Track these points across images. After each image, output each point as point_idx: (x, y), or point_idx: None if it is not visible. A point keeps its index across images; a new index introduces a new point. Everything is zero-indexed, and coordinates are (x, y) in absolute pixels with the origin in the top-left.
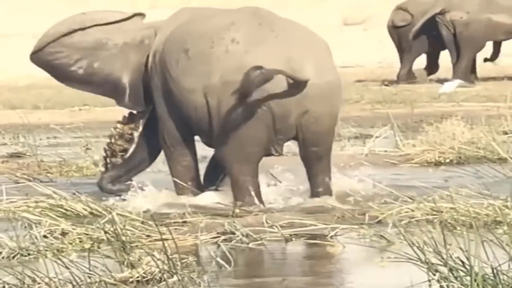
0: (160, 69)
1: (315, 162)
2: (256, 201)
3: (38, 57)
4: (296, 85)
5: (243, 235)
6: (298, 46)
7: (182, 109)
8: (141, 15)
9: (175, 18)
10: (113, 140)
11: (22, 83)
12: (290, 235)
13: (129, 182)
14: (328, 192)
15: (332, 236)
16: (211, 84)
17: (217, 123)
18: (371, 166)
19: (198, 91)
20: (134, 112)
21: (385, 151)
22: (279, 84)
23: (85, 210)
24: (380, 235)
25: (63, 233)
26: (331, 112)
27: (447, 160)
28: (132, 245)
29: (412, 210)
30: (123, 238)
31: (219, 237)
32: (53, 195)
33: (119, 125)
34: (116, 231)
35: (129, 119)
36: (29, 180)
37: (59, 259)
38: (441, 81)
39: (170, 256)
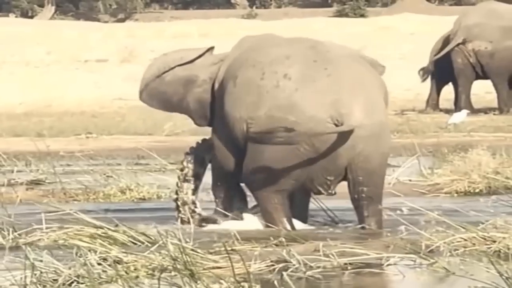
0: (216, 95)
1: (365, 204)
2: (288, 227)
3: (144, 97)
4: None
5: (300, 264)
6: (348, 87)
7: (230, 135)
8: (212, 48)
9: (238, 46)
10: (185, 164)
11: (19, 110)
12: (345, 263)
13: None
14: None
15: (388, 265)
16: (256, 115)
17: (253, 153)
18: (402, 195)
19: (243, 120)
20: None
21: (410, 180)
22: (320, 124)
23: (131, 237)
24: (441, 266)
25: (115, 261)
26: (380, 151)
27: (477, 190)
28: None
29: (465, 240)
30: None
31: (273, 265)
32: (95, 223)
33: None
34: (185, 259)
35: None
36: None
37: (131, 286)
38: (448, 111)
39: (237, 284)
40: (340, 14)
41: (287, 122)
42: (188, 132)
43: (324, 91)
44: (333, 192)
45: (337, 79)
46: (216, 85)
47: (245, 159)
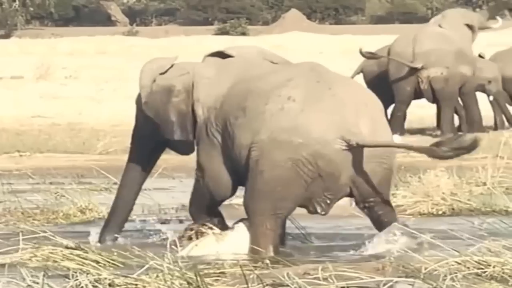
0: (218, 125)
1: (377, 210)
2: (271, 254)
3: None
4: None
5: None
6: (354, 107)
7: (233, 164)
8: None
9: (228, 71)
10: None
11: None
12: (343, 287)
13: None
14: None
15: None
16: (259, 139)
17: (254, 177)
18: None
19: (246, 146)
20: None
21: None
22: (328, 145)
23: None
24: None
25: (110, 284)
26: (384, 169)
27: (440, 212)
28: None
29: (459, 263)
30: None
31: None
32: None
33: None
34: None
35: None
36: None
37: None
38: None
39: None
40: (222, 32)
41: (291, 144)
42: (120, 151)
43: (330, 111)
44: (327, 211)
45: (342, 98)
46: (210, 112)
47: (246, 184)
